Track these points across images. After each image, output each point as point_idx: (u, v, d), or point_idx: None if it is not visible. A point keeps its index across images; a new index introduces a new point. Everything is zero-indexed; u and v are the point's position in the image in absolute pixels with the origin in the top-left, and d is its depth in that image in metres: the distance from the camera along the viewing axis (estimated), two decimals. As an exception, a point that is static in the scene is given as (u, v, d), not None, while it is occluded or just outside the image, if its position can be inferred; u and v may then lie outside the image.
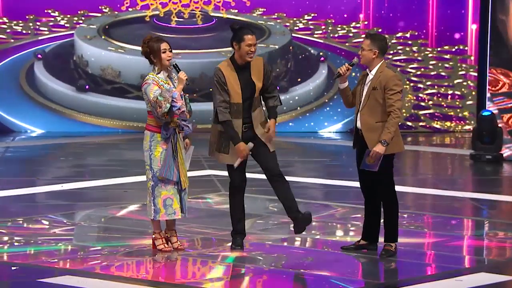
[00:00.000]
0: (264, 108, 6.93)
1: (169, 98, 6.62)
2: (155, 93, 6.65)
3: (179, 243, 6.93)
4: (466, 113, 17.04)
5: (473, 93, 16.96)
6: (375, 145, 6.63)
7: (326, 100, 16.62)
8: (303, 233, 7.55)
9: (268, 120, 6.82)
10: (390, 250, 6.74)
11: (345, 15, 16.72)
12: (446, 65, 16.99)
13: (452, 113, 17.06)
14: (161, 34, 16.16)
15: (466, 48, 16.94)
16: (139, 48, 6.95)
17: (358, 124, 6.77)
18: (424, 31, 16.84)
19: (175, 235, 6.92)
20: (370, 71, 6.71)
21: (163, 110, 6.61)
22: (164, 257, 6.72)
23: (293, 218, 6.86)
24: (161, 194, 6.77)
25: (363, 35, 6.70)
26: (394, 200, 6.82)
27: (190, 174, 11.26)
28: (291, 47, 16.55)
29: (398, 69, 16.92)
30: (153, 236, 6.88)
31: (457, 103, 17.05)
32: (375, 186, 6.80)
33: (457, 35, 16.89)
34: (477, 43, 16.82)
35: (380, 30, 16.73)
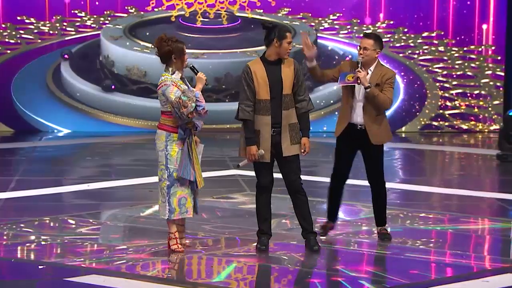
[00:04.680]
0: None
1: (193, 97, 6.63)
2: (176, 93, 6.65)
3: (185, 239, 6.98)
4: (492, 113, 16.93)
5: (500, 91, 16.86)
6: (378, 138, 7.10)
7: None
8: (328, 233, 7.55)
9: (301, 137, 6.83)
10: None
11: (370, 15, 16.67)
12: (473, 65, 16.89)
13: (478, 113, 16.95)
14: (186, 34, 16.22)
15: (493, 48, 16.83)
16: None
17: (358, 120, 7.07)
18: (448, 30, 16.76)
19: (182, 231, 6.97)
20: (369, 68, 7.06)
21: (189, 109, 6.61)
22: (178, 257, 6.73)
23: (305, 238, 6.94)
24: (177, 193, 6.80)
25: (363, 34, 7.17)
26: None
27: (214, 174, 11.36)
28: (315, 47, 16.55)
29: (424, 69, 16.86)
30: (168, 236, 6.90)
31: (484, 103, 16.94)
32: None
33: (483, 34, 16.78)
34: (504, 42, 16.71)
35: (406, 30, 16.67)
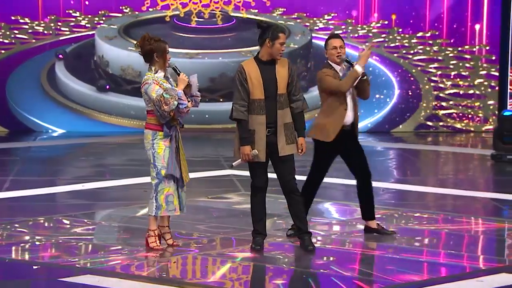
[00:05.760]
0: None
1: (175, 96, 6.66)
2: (158, 92, 6.71)
3: (173, 239, 6.99)
4: (487, 113, 16.96)
5: (495, 91, 16.90)
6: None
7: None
8: (322, 233, 7.57)
9: (297, 138, 6.84)
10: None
11: (365, 15, 16.70)
12: (467, 65, 16.92)
13: (473, 113, 16.98)
14: (181, 34, 16.22)
15: (487, 48, 16.86)
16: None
17: (349, 120, 7.22)
18: (443, 30, 16.79)
19: (168, 232, 6.98)
20: (342, 66, 7.29)
21: (171, 107, 6.66)
22: (157, 255, 6.74)
23: (300, 238, 6.95)
24: (164, 190, 6.83)
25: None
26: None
27: (209, 174, 11.36)
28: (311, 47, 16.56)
29: (419, 68, 16.88)
30: (147, 233, 6.91)
31: (478, 103, 16.97)
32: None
33: (477, 34, 16.82)
34: (499, 42, 16.74)
35: (400, 30, 16.71)
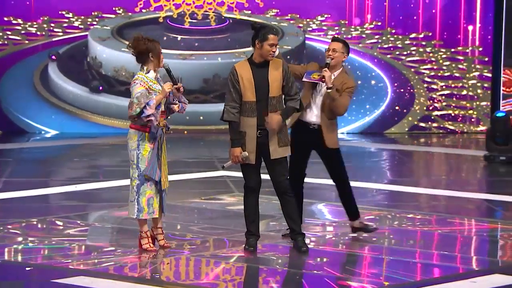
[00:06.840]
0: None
1: (143, 103, 6.67)
2: (137, 94, 6.71)
3: (165, 240, 6.97)
4: (480, 114, 16.99)
5: (488, 93, 16.93)
6: (331, 143, 7.15)
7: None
8: (315, 234, 7.57)
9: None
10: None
11: (358, 16, 16.71)
12: (460, 66, 16.95)
13: (465, 114, 17.01)
14: (174, 36, 16.21)
15: (480, 49, 16.89)
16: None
17: (313, 119, 7.13)
18: (436, 31, 16.82)
19: (161, 233, 6.97)
20: (334, 72, 7.12)
21: (131, 113, 6.73)
22: (150, 257, 6.74)
23: (293, 239, 6.95)
24: (146, 193, 6.83)
25: (333, 37, 7.26)
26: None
27: (203, 175, 11.35)
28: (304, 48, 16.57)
29: (412, 69, 16.91)
30: (140, 234, 6.92)
31: (471, 104, 17.00)
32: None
33: (470, 35, 16.85)
34: (492, 43, 16.78)
35: (394, 31, 16.73)
